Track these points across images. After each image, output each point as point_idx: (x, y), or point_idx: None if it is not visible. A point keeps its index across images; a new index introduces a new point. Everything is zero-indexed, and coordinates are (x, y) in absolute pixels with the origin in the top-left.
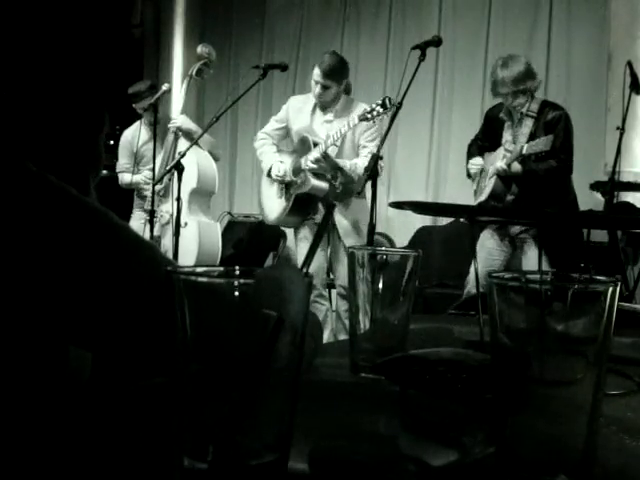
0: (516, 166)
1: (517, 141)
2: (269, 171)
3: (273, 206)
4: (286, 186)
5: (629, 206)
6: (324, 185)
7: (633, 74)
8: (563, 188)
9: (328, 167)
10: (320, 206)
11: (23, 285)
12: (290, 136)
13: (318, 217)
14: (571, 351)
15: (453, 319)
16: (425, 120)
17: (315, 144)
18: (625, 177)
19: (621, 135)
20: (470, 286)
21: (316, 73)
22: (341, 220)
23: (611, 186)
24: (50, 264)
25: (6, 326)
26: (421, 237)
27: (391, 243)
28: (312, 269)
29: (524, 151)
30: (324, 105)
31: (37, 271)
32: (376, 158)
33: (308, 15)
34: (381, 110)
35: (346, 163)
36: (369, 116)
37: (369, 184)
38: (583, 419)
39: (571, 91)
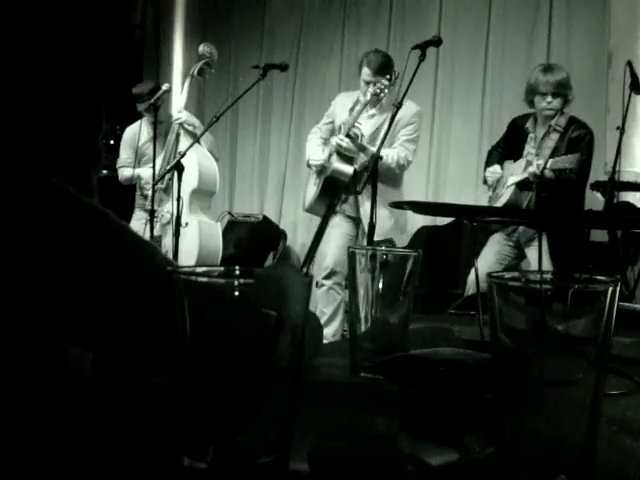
0: (548, 173)
1: (540, 154)
2: (308, 160)
3: (309, 193)
4: (321, 173)
5: (629, 206)
6: (348, 169)
7: (633, 74)
8: (578, 203)
9: (353, 148)
10: (350, 198)
11: (23, 285)
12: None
13: (347, 208)
14: (571, 351)
15: (453, 319)
16: (425, 120)
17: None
18: (625, 177)
19: (621, 135)
20: (471, 289)
21: (366, 73)
22: (367, 215)
23: (611, 186)
24: (50, 264)
25: (5, 326)
26: (421, 237)
27: (391, 243)
28: (337, 259)
29: (548, 165)
30: (375, 101)
31: (37, 271)
32: (376, 158)
33: (308, 15)
34: (386, 83)
35: (371, 148)
36: (378, 91)
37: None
38: (583, 419)
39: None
